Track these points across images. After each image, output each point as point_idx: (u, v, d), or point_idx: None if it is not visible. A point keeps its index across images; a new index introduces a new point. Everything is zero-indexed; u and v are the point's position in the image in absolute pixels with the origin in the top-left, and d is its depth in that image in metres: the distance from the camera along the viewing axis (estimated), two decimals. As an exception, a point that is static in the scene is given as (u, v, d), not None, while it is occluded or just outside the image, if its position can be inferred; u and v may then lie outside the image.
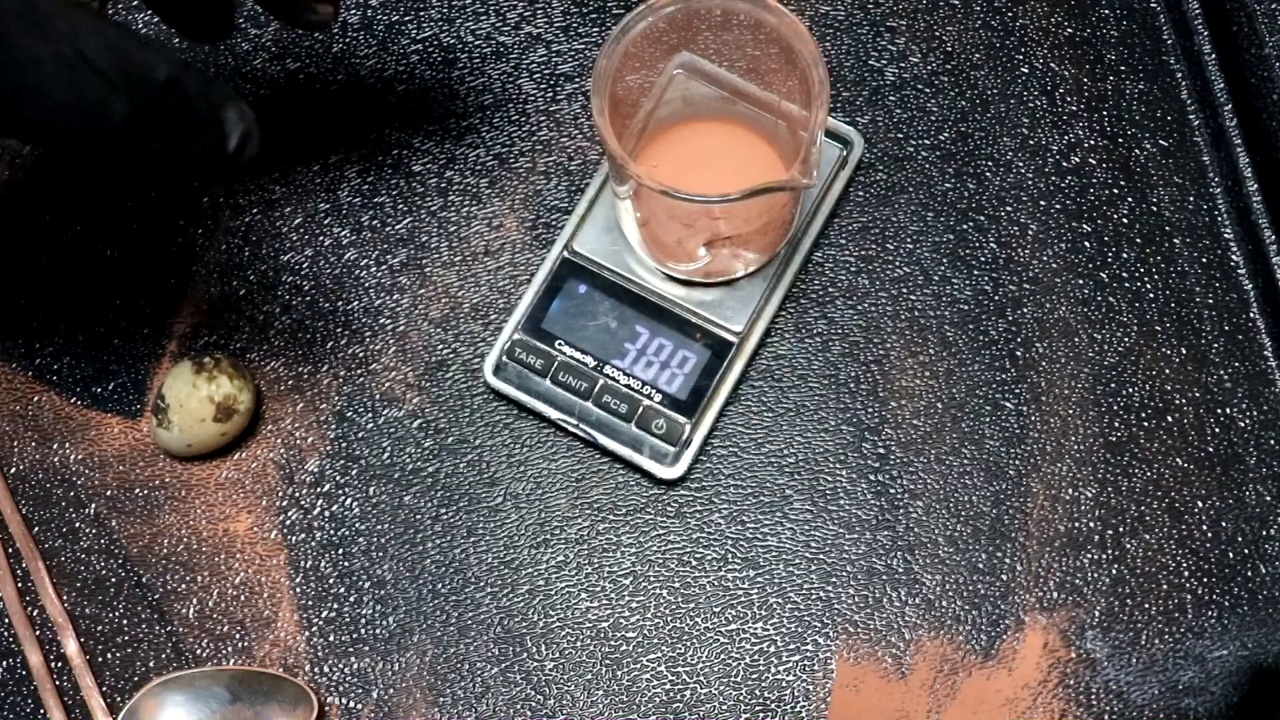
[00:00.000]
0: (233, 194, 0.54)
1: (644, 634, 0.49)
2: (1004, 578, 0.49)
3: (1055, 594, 0.49)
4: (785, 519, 0.50)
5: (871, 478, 0.50)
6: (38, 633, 0.50)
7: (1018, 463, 0.50)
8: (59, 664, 0.50)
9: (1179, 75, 0.54)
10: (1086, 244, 0.52)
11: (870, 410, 0.51)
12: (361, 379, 0.52)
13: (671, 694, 0.49)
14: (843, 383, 0.51)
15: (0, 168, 0.54)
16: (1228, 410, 0.50)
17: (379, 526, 0.50)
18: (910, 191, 0.53)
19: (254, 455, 0.51)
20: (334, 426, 0.51)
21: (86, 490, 0.51)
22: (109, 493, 0.51)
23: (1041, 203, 0.52)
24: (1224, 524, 0.49)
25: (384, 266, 0.53)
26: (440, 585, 0.50)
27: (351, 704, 0.49)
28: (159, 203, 0.54)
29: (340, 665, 0.49)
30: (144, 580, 0.50)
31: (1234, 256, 0.52)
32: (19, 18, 0.35)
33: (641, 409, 0.49)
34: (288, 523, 0.51)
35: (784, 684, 0.49)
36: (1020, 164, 0.53)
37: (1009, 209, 0.52)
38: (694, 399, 0.49)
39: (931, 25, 0.54)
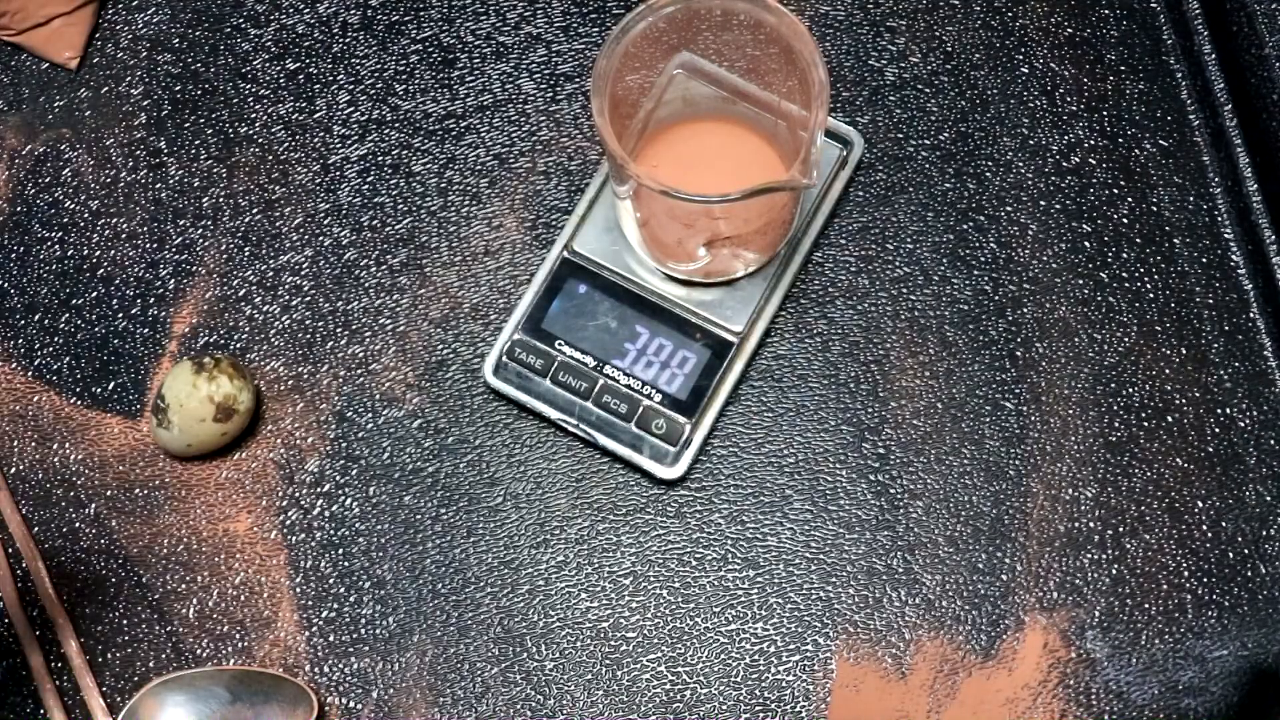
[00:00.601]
0: (233, 194, 0.54)
1: (644, 634, 0.49)
2: (1004, 578, 0.49)
3: (1055, 594, 0.49)
4: (785, 519, 0.50)
5: (871, 478, 0.50)
6: (38, 633, 0.50)
7: (1018, 463, 0.50)
8: (59, 664, 0.50)
9: (1179, 75, 0.54)
10: (1086, 244, 0.52)
11: (870, 410, 0.51)
12: (361, 379, 0.52)
13: (671, 694, 0.49)
14: (843, 383, 0.51)
15: None
16: (1228, 410, 0.50)
17: (379, 526, 0.50)
18: (910, 191, 0.53)
19: (254, 455, 0.51)
20: (334, 426, 0.51)
21: (86, 490, 0.51)
22: (109, 493, 0.51)
23: (1041, 203, 0.52)
24: (1224, 524, 0.49)
25: (384, 266, 0.53)
26: (440, 585, 0.50)
27: (351, 704, 0.49)
28: (159, 202, 0.54)
29: (340, 665, 0.49)
30: (144, 580, 0.50)
31: (1234, 256, 0.52)
32: None
33: (641, 409, 0.49)
34: (288, 523, 0.51)
35: (784, 684, 0.49)
36: (1020, 164, 0.53)
37: (1009, 209, 0.52)
38: (694, 399, 0.49)
39: (931, 25, 0.54)
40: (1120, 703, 0.48)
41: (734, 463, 0.50)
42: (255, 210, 0.54)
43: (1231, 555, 0.49)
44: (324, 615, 0.50)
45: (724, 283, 0.50)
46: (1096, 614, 0.49)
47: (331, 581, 0.50)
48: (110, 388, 0.52)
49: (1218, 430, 0.50)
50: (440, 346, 0.52)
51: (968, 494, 0.50)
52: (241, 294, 0.53)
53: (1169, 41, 0.54)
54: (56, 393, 0.52)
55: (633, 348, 0.50)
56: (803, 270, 0.52)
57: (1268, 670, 0.48)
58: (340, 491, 0.51)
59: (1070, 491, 0.50)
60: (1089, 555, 0.49)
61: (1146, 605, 0.49)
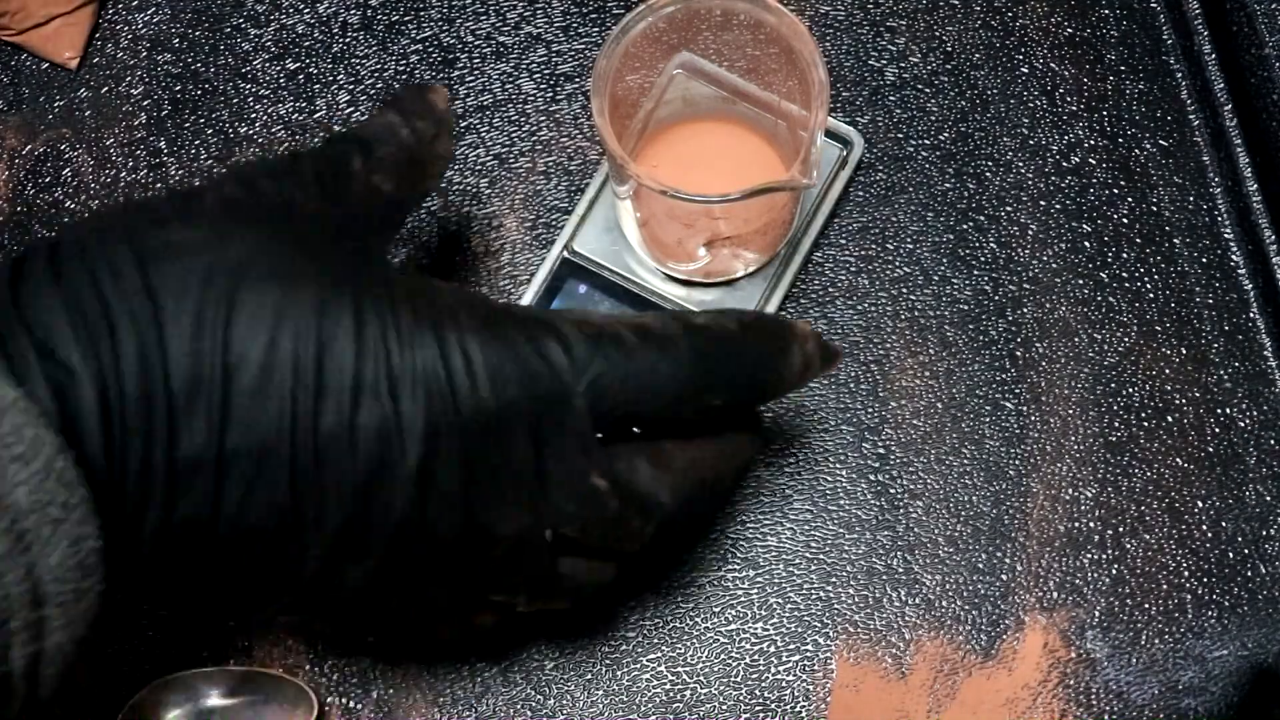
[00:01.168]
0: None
1: (644, 634, 0.49)
2: (1004, 578, 0.49)
3: (1055, 594, 0.49)
4: (785, 519, 0.50)
5: (871, 478, 0.50)
6: (38, 633, 0.50)
7: (1018, 463, 0.50)
8: (59, 664, 0.50)
9: (1179, 75, 0.54)
10: (1086, 244, 0.52)
11: (870, 410, 0.51)
12: (361, 379, 0.52)
13: (671, 694, 0.49)
14: (843, 383, 0.51)
15: None
16: (1228, 410, 0.50)
17: (379, 526, 0.50)
18: (910, 191, 0.53)
19: (254, 455, 0.51)
20: (334, 426, 0.51)
21: (86, 490, 0.51)
22: (109, 493, 0.51)
23: (1041, 203, 0.52)
24: (1224, 524, 0.49)
25: (384, 266, 0.53)
26: (440, 585, 0.50)
27: (351, 704, 0.49)
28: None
29: (340, 665, 0.49)
30: (144, 580, 0.50)
31: (1234, 256, 0.52)
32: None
33: (641, 409, 0.49)
34: (288, 523, 0.51)
35: (784, 684, 0.49)
36: (1020, 164, 0.53)
37: (1009, 209, 0.52)
38: (694, 399, 0.49)
39: (931, 25, 0.54)
40: (1120, 703, 0.48)
41: (734, 463, 0.50)
42: (255, 210, 0.53)
43: (1231, 555, 0.49)
44: (324, 615, 0.50)
45: (724, 283, 0.50)
46: (1096, 614, 0.49)
47: (331, 581, 0.50)
48: (110, 388, 0.52)
49: (1218, 430, 0.50)
50: (440, 346, 0.52)
51: (968, 494, 0.50)
52: (241, 294, 0.53)
53: (1169, 41, 0.54)
54: (56, 393, 0.52)
55: (633, 348, 0.50)
56: (803, 270, 0.52)
57: (1268, 670, 0.48)
58: (340, 491, 0.51)
59: (1070, 491, 0.50)
60: (1089, 555, 0.49)
61: (1146, 605, 0.49)
